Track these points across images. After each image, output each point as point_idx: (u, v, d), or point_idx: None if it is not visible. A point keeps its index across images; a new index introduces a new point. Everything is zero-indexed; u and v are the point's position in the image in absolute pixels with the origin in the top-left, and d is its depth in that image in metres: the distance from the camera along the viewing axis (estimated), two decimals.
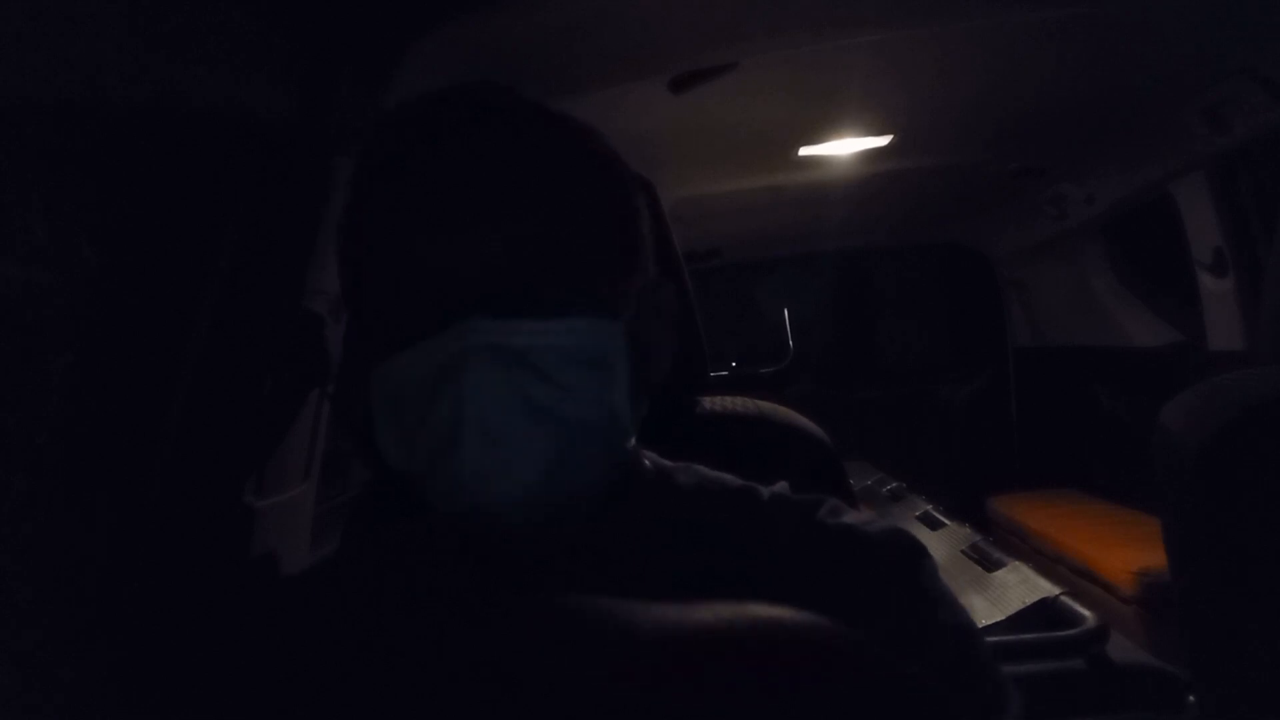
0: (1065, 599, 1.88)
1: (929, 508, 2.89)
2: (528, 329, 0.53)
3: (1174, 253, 2.42)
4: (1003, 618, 1.91)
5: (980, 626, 0.61)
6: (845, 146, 2.20)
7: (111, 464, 0.77)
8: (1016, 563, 2.20)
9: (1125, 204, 2.70)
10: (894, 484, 3.20)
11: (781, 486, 0.66)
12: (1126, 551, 2.45)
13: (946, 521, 2.74)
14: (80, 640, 0.70)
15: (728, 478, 0.67)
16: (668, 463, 0.67)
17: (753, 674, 0.45)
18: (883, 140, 2.19)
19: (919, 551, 0.61)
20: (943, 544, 2.53)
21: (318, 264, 0.96)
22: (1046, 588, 1.96)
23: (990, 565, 2.24)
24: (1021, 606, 1.93)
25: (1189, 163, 2.22)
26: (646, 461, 0.66)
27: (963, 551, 2.42)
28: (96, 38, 0.63)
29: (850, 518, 0.62)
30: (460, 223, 0.54)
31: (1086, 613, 1.77)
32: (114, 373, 0.75)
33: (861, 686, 0.44)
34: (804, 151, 2.22)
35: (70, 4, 0.60)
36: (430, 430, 0.53)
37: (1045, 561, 2.78)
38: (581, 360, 0.55)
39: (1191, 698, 1.39)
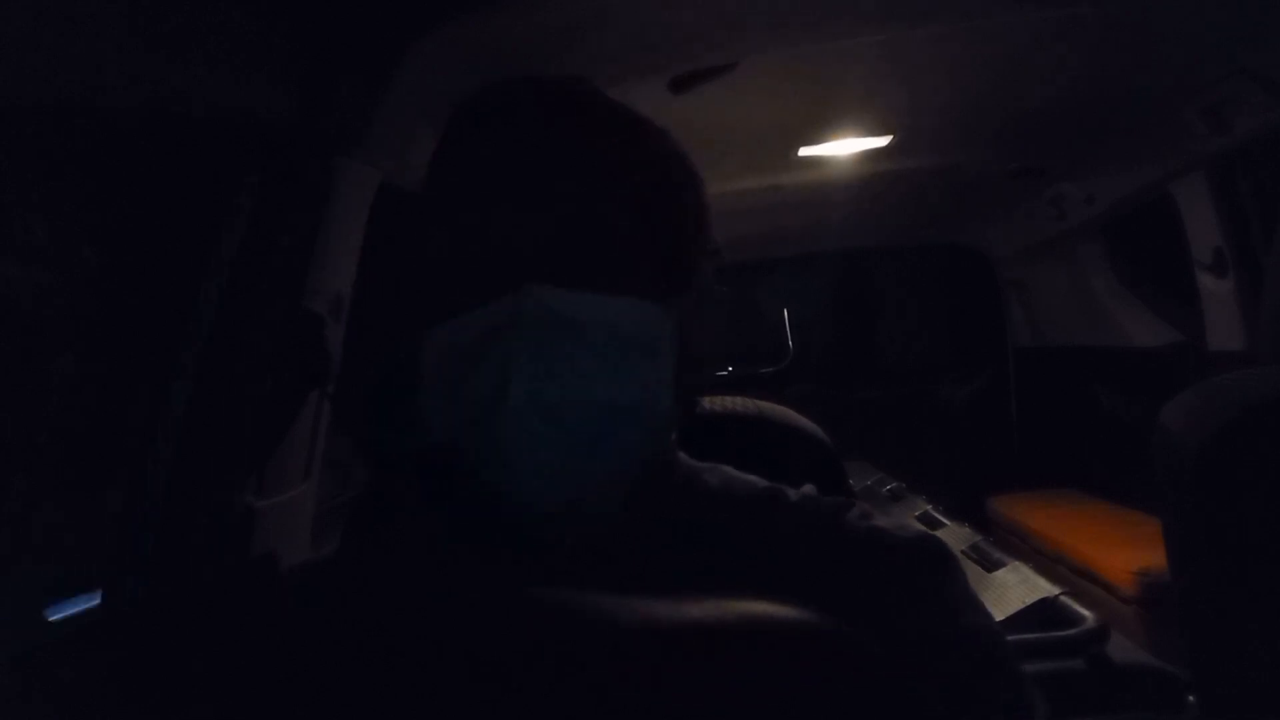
0: (1065, 599, 1.88)
1: (929, 508, 2.89)
2: (585, 300, 0.53)
3: (1174, 253, 2.42)
4: (1003, 618, 1.91)
5: None
6: (845, 146, 2.20)
7: (112, 464, 0.77)
8: (1016, 563, 2.20)
9: (1125, 204, 2.70)
10: (894, 484, 3.20)
11: (809, 489, 0.65)
12: (1126, 551, 2.45)
13: (946, 521, 2.73)
14: (80, 640, 0.70)
15: (755, 479, 0.66)
16: (696, 463, 0.67)
17: (741, 668, 0.45)
18: (883, 140, 2.19)
19: (947, 558, 0.60)
20: None
21: (318, 264, 0.96)
22: (1046, 588, 1.96)
23: (990, 565, 2.23)
24: (1021, 606, 1.92)
25: (1189, 163, 2.22)
26: (679, 460, 0.66)
27: (963, 551, 2.42)
28: (96, 38, 0.63)
29: (880, 521, 0.62)
30: (527, 198, 0.55)
31: (1086, 613, 1.77)
32: (114, 373, 0.75)
33: (851, 681, 0.44)
34: (804, 151, 2.22)
35: (70, 4, 0.60)
36: (475, 390, 0.53)
37: (1045, 561, 2.78)
38: (633, 340, 0.55)
39: (1191, 698, 1.39)
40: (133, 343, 0.78)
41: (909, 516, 2.84)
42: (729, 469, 0.67)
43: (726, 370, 3.65)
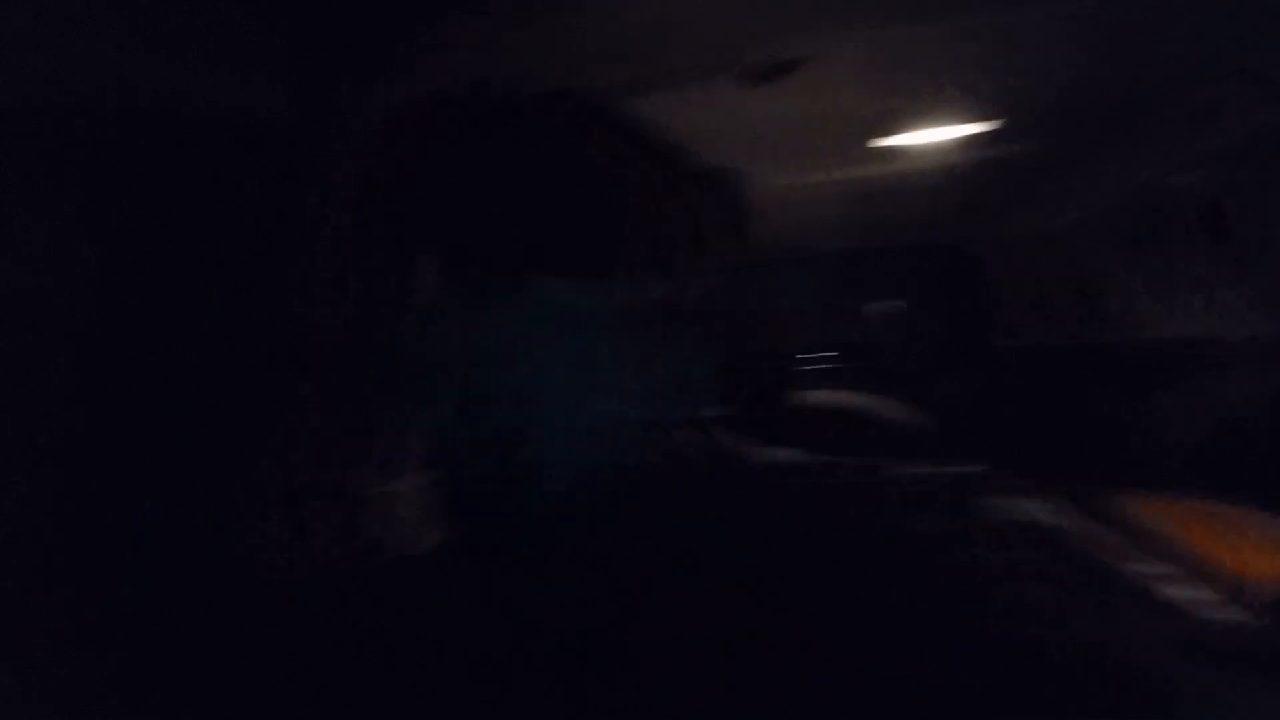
0: None
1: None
2: (590, 288, 0.53)
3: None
4: None
5: None
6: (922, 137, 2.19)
7: (111, 464, 0.77)
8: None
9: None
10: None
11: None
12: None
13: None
14: (80, 640, 0.70)
15: (798, 453, 0.67)
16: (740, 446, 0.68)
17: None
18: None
19: None
20: None
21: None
22: None
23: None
24: None
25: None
26: (711, 440, 0.67)
27: None
28: (96, 38, 0.63)
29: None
30: (520, 196, 0.55)
31: None
32: (114, 373, 0.75)
33: None
34: (876, 143, 2.21)
35: (70, 4, 0.60)
36: (499, 382, 0.53)
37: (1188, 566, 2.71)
38: (636, 320, 0.55)
39: None
40: (132, 343, 0.78)
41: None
42: (770, 449, 0.68)
43: (798, 363, 3.61)
